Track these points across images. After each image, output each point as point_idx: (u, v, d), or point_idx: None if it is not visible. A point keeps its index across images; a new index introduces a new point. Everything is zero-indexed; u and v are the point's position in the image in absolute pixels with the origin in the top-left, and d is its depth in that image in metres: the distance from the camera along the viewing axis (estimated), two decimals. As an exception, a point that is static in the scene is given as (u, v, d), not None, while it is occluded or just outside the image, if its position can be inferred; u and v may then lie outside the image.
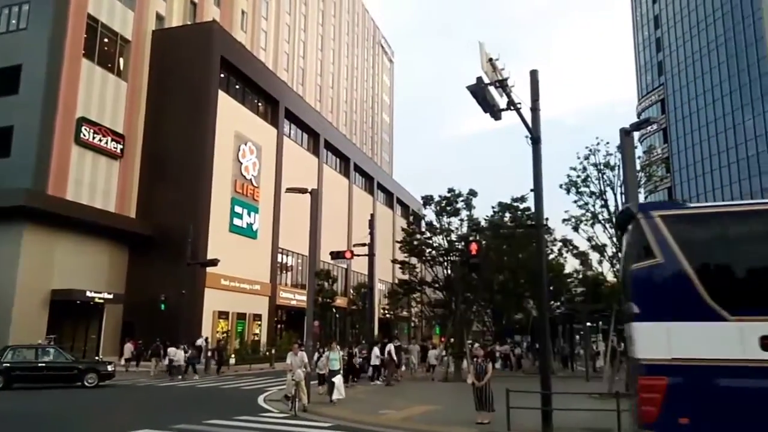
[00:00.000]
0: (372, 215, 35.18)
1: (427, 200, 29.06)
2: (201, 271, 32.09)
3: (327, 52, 66.79)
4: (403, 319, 55.53)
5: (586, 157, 20.13)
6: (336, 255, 28.09)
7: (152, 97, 36.36)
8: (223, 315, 36.33)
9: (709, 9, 68.84)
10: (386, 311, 49.00)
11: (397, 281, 40.39)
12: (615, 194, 19.81)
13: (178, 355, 25.29)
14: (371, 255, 27.87)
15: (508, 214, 30.16)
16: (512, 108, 11.85)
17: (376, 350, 24.30)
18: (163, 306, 29.91)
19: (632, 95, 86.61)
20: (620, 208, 18.33)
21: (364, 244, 28.90)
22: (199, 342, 30.10)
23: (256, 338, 39.23)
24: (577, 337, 37.09)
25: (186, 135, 34.99)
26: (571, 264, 35.01)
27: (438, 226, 28.77)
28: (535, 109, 12.41)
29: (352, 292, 49.78)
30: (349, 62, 74.39)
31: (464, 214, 28.20)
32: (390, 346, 24.05)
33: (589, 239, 21.21)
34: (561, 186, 21.55)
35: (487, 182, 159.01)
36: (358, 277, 53.73)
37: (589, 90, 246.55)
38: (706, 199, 67.74)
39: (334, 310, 45.09)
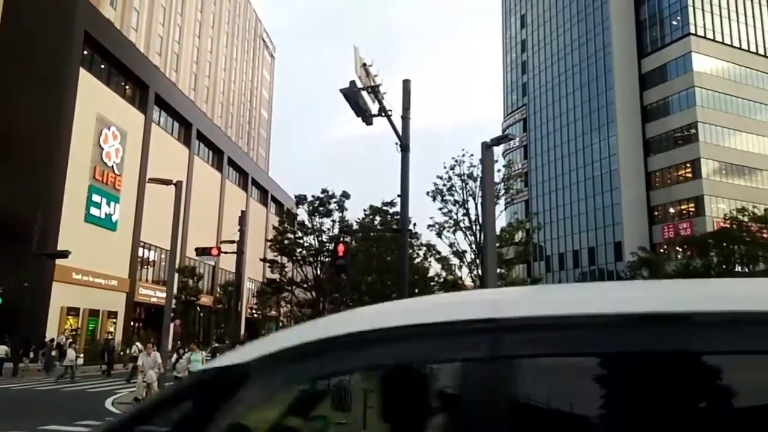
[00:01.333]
0: (243, 212, 34.36)
1: (300, 200, 29.01)
2: (49, 263, 29.41)
3: (205, 39, 64.14)
4: (271, 319, 54.79)
5: (452, 168, 21.36)
6: (201, 251, 27.11)
7: (-1, 67, 32.69)
8: (72, 311, 33.55)
9: (569, 38, 75.67)
10: (254, 311, 48.04)
11: (266, 280, 39.79)
12: (476, 204, 21.17)
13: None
14: (240, 253, 27.21)
15: (378, 218, 30.94)
16: (383, 114, 12.25)
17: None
18: (-1, 300, 27.01)
19: (500, 112, 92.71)
20: (480, 217, 19.56)
21: (233, 241, 28.16)
22: (57, 340, 27.81)
23: (110, 337, 36.64)
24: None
25: (38, 111, 31.85)
26: (435, 268, 36.69)
27: (310, 226, 28.84)
28: (405, 118, 12.88)
29: (219, 290, 48.20)
30: (228, 52, 72.00)
31: (337, 215, 28.55)
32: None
33: (451, 245, 22.45)
34: (428, 193, 22.64)
35: (365, 185, 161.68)
36: (227, 275, 52.12)
37: (465, 104, 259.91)
38: (557, 214, 74.29)
39: (198, 308, 43.37)
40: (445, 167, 22.23)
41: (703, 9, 63.59)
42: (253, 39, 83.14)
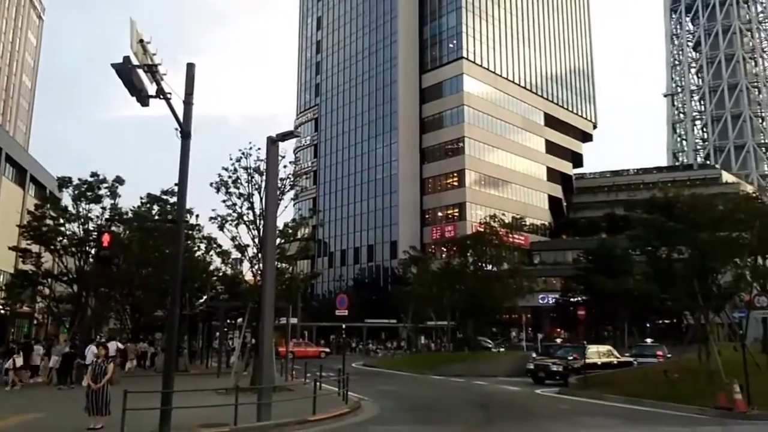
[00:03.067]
0: (-11, 193, 29.49)
1: (65, 182, 25.92)
2: None
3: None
4: (23, 315, 47.72)
5: (238, 160, 21.02)
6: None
7: None
8: None
9: (361, 46, 79.50)
10: (2, 306, 41.42)
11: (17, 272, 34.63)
12: (261, 198, 21.13)
13: None
14: (-19, 239, 23.33)
15: (156, 207, 29.05)
16: (161, 97, 11.63)
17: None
18: None
19: (294, 109, 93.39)
20: (264, 211, 19.60)
21: (-28, 226, 24.02)
22: None
23: None
24: (218, 333, 37.80)
25: None
26: (216, 262, 35.61)
27: (75, 212, 25.92)
28: (188, 103, 12.36)
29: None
30: (-23, 5, 61.06)
31: (108, 202, 26.11)
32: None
33: (233, 239, 22.07)
34: (212, 184, 21.98)
35: (149, 172, 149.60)
36: (-37, 265, 44.02)
37: (262, 97, 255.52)
38: (342, 212, 77.54)
39: None
40: (231, 159, 21.82)
41: (474, 37, 71.95)
42: (14, -6, 71.77)
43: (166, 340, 14.09)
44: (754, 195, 34.06)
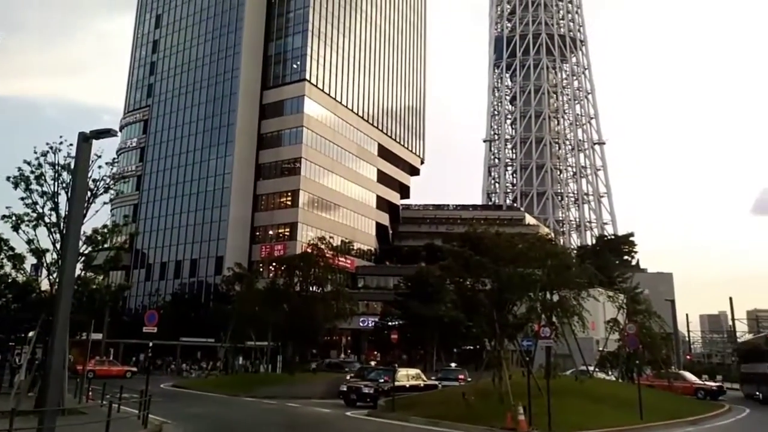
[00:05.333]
0: None
1: None
2: None
3: None
4: None
5: (44, 154, 18.93)
6: None
7: None
8: None
9: (201, 52, 76.43)
10: None
11: None
12: (68, 199, 19.19)
13: None
14: None
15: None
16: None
17: None
18: None
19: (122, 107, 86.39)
20: (69, 213, 17.83)
21: None
22: None
23: None
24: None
25: None
26: (6, 267, 31.29)
27: None
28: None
29: None
30: None
31: None
32: None
33: (30, 242, 19.70)
34: (8, 179, 19.49)
35: None
36: None
37: (88, 87, 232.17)
38: (167, 222, 72.94)
39: None
40: (36, 152, 19.62)
41: (318, 61, 73.17)
42: None
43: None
44: (548, 237, 38.88)
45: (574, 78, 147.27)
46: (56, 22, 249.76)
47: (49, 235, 19.81)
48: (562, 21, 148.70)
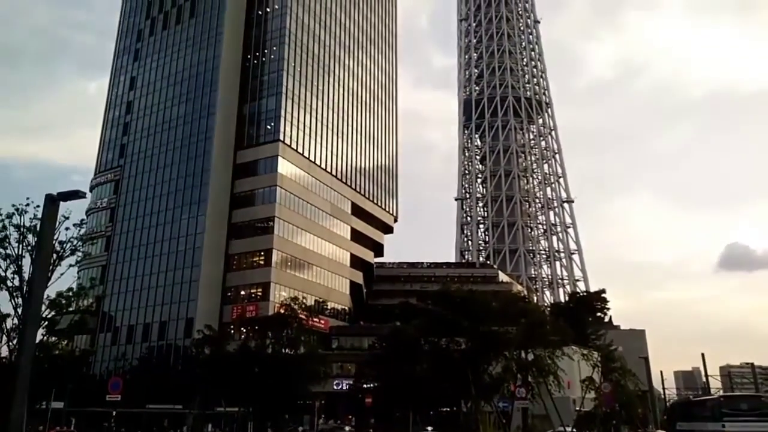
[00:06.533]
0: None
1: None
2: None
3: None
4: None
5: (9, 216, 18.59)
6: None
7: None
8: None
9: (176, 113, 77.05)
10: None
11: None
12: (32, 261, 18.73)
13: None
14: None
15: None
16: None
17: None
18: None
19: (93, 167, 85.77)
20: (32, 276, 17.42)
21: None
22: None
23: None
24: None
25: None
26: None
27: None
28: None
29: None
30: None
31: None
32: None
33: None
34: (-30, 242, 19.01)
35: None
36: None
37: (56, 150, 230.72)
38: (135, 284, 71.20)
39: None
40: (0, 214, 19.25)
41: (292, 123, 74.35)
42: None
43: None
44: (521, 294, 39.04)
45: (541, 138, 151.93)
46: (29, 82, 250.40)
47: (10, 300, 19.22)
48: (527, 84, 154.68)
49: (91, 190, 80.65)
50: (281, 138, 71.96)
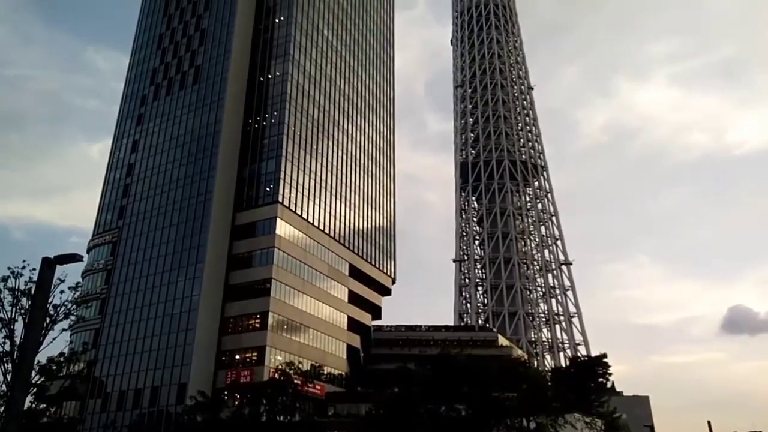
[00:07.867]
0: None
1: None
2: None
3: None
4: None
5: (4, 279, 18.43)
6: None
7: None
8: None
9: (176, 175, 77.82)
10: None
11: None
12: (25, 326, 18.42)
13: None
14: None
15: None
16: None
17: None
18: None
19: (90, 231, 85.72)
20: (24, 341, 17.11)
21: None
22: None
23: None
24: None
25: None
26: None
27: None
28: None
29: None
30: None
31: None
32: None
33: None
34: (-37, 305, 18.73)
35: None
36: None
37: (55, 212, 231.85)
38: (129, 347, 69.73)
39: None
40: (-5, 277, 19.07)
41: (291, 185, 75.12)
42: None
43: None
44: (522, 359, 38.31)
45: (538, 201, 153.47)
46: (33, 145, 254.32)
47: (0, 365, 18.76)
48: (523, 148, 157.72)
49: (88, 252, 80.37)
50: (280, 200, 72.48)
